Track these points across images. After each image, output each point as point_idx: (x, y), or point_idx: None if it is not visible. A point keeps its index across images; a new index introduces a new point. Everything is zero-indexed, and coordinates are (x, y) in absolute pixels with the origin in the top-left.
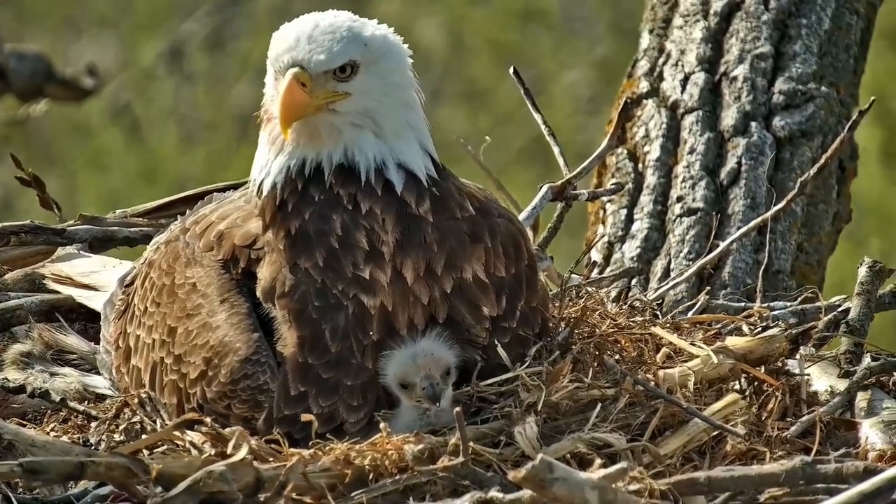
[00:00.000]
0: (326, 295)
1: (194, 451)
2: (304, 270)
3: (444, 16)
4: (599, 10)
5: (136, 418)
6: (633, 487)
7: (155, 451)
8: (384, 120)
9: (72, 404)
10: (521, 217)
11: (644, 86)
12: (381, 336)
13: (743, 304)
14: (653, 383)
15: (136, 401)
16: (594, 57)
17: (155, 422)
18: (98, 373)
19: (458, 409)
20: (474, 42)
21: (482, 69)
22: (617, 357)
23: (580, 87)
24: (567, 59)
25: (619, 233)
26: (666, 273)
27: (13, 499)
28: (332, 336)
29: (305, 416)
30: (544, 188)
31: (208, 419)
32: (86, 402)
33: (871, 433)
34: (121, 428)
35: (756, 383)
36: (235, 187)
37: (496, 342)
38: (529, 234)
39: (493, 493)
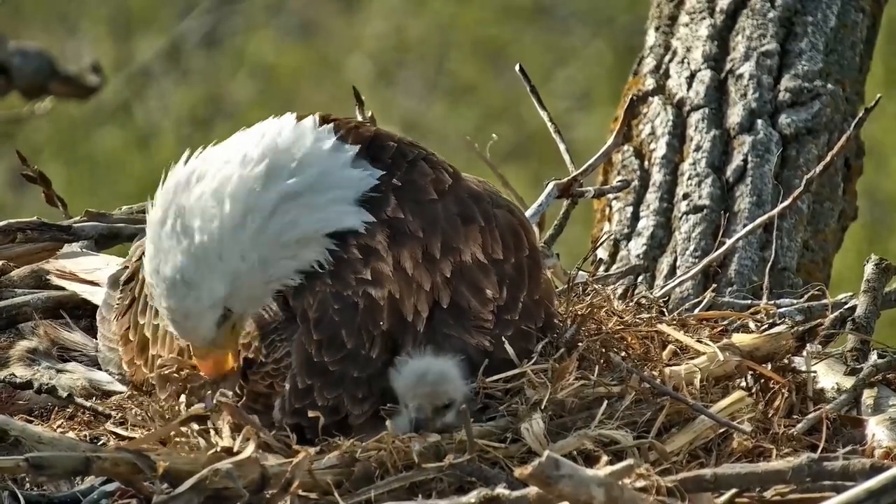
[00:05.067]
0: (342, 297)
1: (202, 444)
2: (317, 283)
3: (434, 14)
4: (591, 6)
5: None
6: (639, 484)
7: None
8: (287, 267)
9: (78, 400)
10: (527, 214)
11: (650, 83)
12: (389, 325)
13: (749, 301)
14: (659, 380)
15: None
16: (586, 54)
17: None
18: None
19: (463, 405)
20: (462, 38)
21: (472, 66)
22: (623, 354)
23: (572, 83)
24: (558, 55)
25: (625, 230)
26: (672, 270)
27: (20, 495)
28: (349, 333)
29: (312, 414)
30: (550, 185)
31: (214, 416)
32: (92, 399)
33: (877, 430)
34: (128, 423)
35: (762, 380)
36: None
37: (502, 337)
38: (535, 230)
39: (500, 489)
